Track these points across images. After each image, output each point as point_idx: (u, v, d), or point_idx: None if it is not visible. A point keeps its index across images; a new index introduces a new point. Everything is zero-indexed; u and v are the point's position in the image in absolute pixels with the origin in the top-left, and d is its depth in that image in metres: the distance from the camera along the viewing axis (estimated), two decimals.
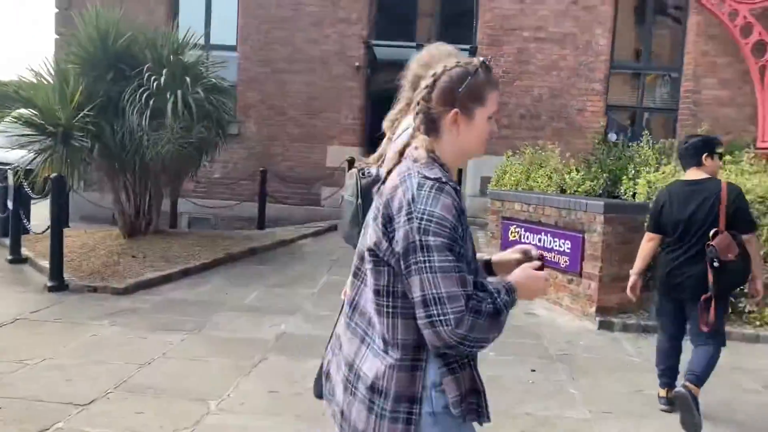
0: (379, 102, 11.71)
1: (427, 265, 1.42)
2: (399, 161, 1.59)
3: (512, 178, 7.85)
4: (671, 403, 3.99)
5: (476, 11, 11.22)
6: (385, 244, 1.50)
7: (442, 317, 1.40)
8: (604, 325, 5.85)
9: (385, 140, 2.24)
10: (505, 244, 7.16)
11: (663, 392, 4.09)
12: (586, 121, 10.96)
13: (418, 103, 1.58)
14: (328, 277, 7.32)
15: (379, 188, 1.63)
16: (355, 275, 1.67)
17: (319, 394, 1.84)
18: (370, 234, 1.55)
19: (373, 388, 1.52)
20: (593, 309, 5.96)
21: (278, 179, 11.23)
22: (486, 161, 11.10)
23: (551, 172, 7.55)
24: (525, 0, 10.96)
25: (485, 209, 10.83)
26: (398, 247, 1.46)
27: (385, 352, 1.53)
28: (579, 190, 7.28)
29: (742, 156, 7.60)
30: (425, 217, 1.43)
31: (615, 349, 5.35)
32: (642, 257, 4.14)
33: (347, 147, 11.44)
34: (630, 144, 8.96)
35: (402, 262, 1.46)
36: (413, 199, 1.46)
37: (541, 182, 7.53)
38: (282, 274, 7.46)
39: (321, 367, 1.81)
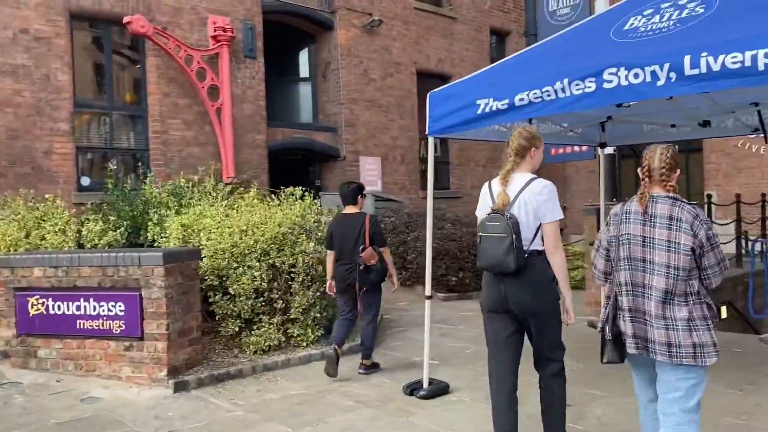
0: None
1: (717, 243, 3.01)
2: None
3: (7, 239, 6.27)
4: (336, 356, 5.44)
5: None
6: (695, 241, 2.96)
7: (726, 267, 3.05)
8: (180, 387, 5.30)
9: (502, 191, 3.43)
10: (25, 322, 5.69)
11: (333, 349, 5.48)
12: (56, 165, 9.73)
13: (664, 170, 3.10)
14: None
15: (648, 214, 3.08)
16: (644, 270, 3.05)
17: (621, 359, 3.15)
18: (685, 241, 2.96)
19: (689, 319, 2.97)
20: (164, 372, 5.32)
21: None
22: None
23: (64, 225, 6.37)
24: None
25: None
26: (701, 238, 2.96)
27: (686, 301, 2.99)
28: (100, 242, 6.38)
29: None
30: (707, 222, 3.01)
31: (211, 409, 4.90)
32: (329, 268, 5.70)
33: None
34: (133, 187, 8.34)
35: (705, 246, 2.97)
36: (697, 215, 3.00)
37: (52, 239, 6.27)
38: None
39: (612, 338, 3.14)
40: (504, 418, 3.45)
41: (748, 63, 3.40)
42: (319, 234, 6.58)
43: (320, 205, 7.04)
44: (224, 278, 6.13)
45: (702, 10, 4.11)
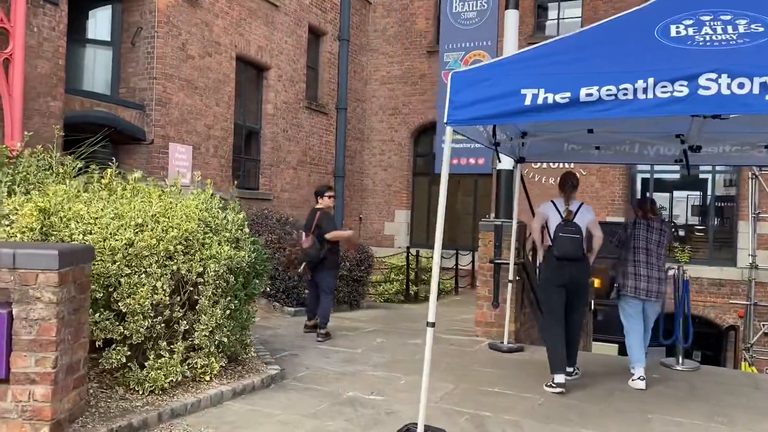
0: None
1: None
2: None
3: None
4: (314, 328, 7.32)
5: None
6: (669, 239, 6.04)
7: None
8: None
9: (566, 207, 5.60)
10: None
11: (310, 322, 7.43)
12: None
13: (655, 207, 6.09)
14: None
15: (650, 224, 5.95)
16: (647, 254, 5.82)
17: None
18: (666, 240, 5.94)
19: (667, 280, 6.20)
20: (46, 430, 3.50)
21: None
22: None
23: None
24: None
25: None
26: (671, 238, 6.17)
27: (665, 270, 6.01)
28: None
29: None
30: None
31: None
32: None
33: None
34: None
35: (670, 242, 6.22)
36: (670, 228, 6.28)
37: None
38: None
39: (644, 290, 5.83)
40: (561, 340, 5.43)
41: None
42: (227, 235, 5.12)
43: (220, 199, 5.50)
44: (111, 289, 4.37)
45: (762, 29, 3.95)
